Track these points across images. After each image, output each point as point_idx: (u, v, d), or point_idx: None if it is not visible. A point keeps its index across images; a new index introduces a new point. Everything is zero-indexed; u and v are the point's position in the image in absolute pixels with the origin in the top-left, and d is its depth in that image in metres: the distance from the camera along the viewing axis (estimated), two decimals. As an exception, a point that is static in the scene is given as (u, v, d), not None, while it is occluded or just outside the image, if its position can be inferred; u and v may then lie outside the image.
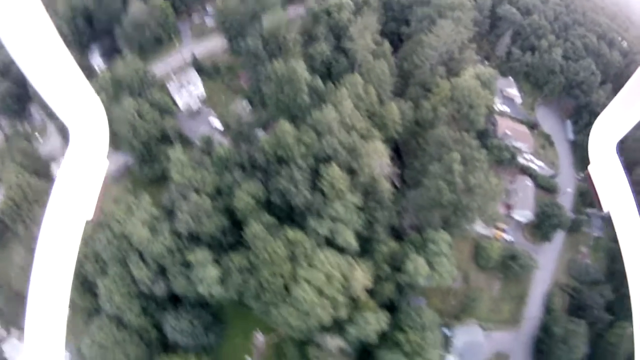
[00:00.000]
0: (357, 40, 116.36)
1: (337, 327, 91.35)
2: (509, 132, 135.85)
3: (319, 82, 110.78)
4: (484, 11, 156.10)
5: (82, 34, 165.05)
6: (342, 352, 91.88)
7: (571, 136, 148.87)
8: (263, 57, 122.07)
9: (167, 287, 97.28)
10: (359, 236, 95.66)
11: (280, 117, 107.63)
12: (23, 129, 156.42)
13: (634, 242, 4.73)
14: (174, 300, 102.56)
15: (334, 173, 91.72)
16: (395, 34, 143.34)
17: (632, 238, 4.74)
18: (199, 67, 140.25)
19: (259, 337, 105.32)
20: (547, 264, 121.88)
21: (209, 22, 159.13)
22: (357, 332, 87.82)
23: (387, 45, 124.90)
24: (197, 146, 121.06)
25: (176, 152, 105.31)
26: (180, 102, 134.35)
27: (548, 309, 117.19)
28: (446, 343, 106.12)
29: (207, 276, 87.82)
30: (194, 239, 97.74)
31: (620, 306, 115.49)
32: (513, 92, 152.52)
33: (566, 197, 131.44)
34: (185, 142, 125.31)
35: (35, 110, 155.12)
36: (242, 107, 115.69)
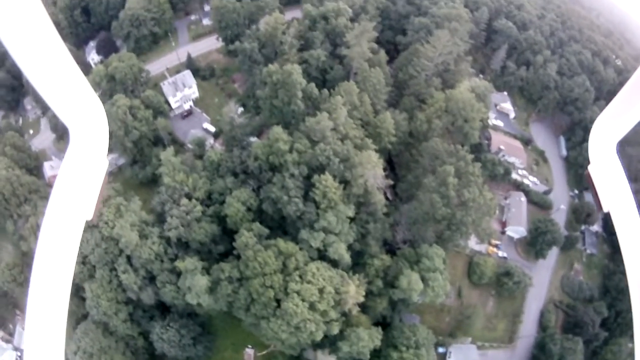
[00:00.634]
0: (353, 48, 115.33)
1: (329, 343, 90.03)
2: (502, 147, 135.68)
3: (313, 88, 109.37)
4: (481, 24, 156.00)
5: (79, 28, 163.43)
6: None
7: (565, 153, 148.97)
8: (259, 61, 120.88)
9: (156, 295, 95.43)
10: (351, 249, 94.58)
11: (273, 122, 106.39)
12: (15, 122, 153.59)
13: (634, 242, 4.49)
14: (162, 308, 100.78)
15: (327, 182, 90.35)
16: (392, 43, 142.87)
17: (632, 238, 4.51)
18: (194, 68, 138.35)
19: (249, 352, 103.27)
20: (540, 280, 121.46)
21: (206, 22, 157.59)
22: (350, 349, 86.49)
23: (383, 54, 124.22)
24: (189, 149, 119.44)
25: (168, 154, 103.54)
26: (173, 103, 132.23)
27: (543, 327, 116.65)
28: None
29: (196, 285, 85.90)
30: (184, 245, 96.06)
31: (615, 323, 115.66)
32: (507, 106, 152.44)
33: (560, 214, 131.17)
34: (177, 144, 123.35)
35: (29, 104, 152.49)
36: (235, 111, 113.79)
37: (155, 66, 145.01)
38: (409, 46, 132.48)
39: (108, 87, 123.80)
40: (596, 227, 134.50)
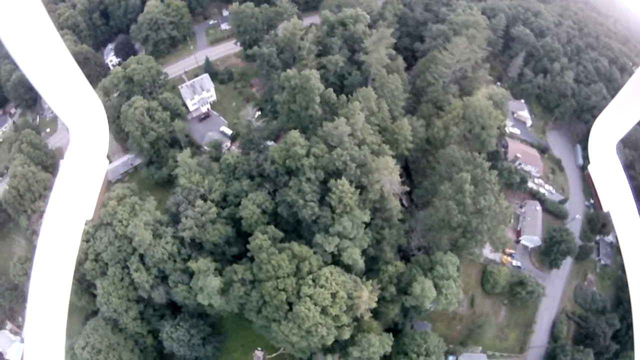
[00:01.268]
0: (371, 54, 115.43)
1: (340, 347, 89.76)
2: (519, 155, 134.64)
3: (331, 93, 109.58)
4: (498, 31, 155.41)
5: (98, 30, 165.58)
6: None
7: (581, 161, 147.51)
8: (277, 65, 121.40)
9: (167, 294, 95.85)
10: (366, 254, 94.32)
11: (291, 127, 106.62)
12: (33, 120, 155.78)
13: (634, 242, 4.53)
14: (173, 308, 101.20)
15: (343, 187, 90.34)
16: (409, 50, 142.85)
17: (632, 238, 4.55)
18: (212, 72, 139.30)
19: (259, 354, 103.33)
20: (553, 290, 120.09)
21: (225, 26, 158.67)
22: (360, 354, 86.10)
23: (400, 60, 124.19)
24: (206, 151, 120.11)
25: (184, 156, 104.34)
26: (191, 106, 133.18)
27: (554, 337, 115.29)
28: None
29: (208, 286, 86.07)
30: (197, 246, 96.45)
31: (627, 336, 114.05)
32: (524, 114, 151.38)
33: (575, 224, 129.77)
34: (194, 146, 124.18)
35: (46, 103, 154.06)
36: (252, 115, 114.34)
37: (174, 69, 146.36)
38: (426, 53, 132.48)
39: (126, 89, 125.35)
40: (611, 238, 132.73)
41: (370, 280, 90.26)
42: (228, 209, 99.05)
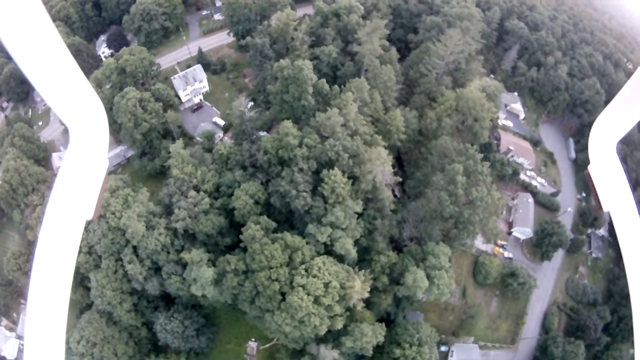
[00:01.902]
0: (364, 45, 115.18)
1: (333, 337, 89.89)
2: (512, 148, 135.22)
3: (324, 84, 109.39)
4: (492, 24, 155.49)
5: (90, 22, 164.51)
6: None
7: (574, 155, 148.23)
8: (270, 56, 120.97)
9: (160, 286, 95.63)
10: (358, 245, 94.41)
11: (283, 117, 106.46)
12: (25, 114, 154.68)
13: (634, 242, 4.51)
14: (167, 299, 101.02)
15: (336, 177, 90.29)
16: (403, 41, 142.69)
17: (632, 238, 4.54)
18: (205, 62, 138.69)
19: (252, 345, 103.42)
20: (545, 282, 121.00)
21: (218, 17, 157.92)
22: (353, 344, 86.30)
23: (394, 51, 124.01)
24: (198, 142, 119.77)
25: (177, 147, 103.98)
26: (184, 97, 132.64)
27: (546, 329, 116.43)
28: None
29: (201, 276, 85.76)
30: (190, 237, 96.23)
31: (618, 329, 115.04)
32: (517, 107, 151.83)
33: (567, 216, 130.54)
34: (186, 137, 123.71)
35: (38, 96, 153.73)
36: (245, 105, 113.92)
37: (166, 60, 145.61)
38: (420, 44, 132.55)
39: (118, 80, 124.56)
40: (602, 231, 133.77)
41: (363, 271, 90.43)
42: (221, 200, 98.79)
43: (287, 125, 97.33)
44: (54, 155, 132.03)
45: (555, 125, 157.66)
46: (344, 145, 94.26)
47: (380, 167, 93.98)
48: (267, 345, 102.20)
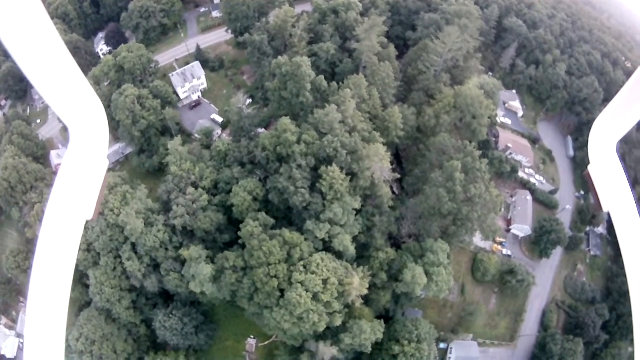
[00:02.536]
0: (363, 42, 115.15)
1: (331, 334, 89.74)
2: (510, 145, 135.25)
3: (322, 81, 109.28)
4: (491, 21, 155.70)
5: (88, 19, 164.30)
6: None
7: (572, 153, 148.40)
8: (268, 53, 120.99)
9: (159, 283, 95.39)
10: (357, 241, 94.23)
11: (282, 114, 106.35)
12: (23, 111, 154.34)
13: (634, 242, 4.51)
14: (166, 296, 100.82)
15: (334, 174, 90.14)
16: (401, 38, 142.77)
17: (632, 238, 4.53)
18: (203, 59, 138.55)
19: (251, 342, 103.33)
20: (543, 280, 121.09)
21: (216, 14, 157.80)
22: (352, 341, 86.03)
23: (392, 48, 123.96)
24: (197, 139, 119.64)
25: (175, 143, 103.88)
26: (182, 94, 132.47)
27: (544, 326, 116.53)
28: (441, 357, 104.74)
29: (200, 273, 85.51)
30: (189, 234, 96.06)
31: (616, 326, 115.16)
32: (515, 105, 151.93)
33: (565, 214, 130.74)
34: (185, 134, 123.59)
35: (36, 94, 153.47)
36: (243, 102, 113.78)
37: (164, 57, 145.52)
38: (418, 42, 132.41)
39: (116, 77, 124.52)
40: (601, 229, 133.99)
41: (361, 267, 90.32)
42: (219, 197, 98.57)
43: (286, 122, 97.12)
44: (53, 153, 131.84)
45: (553, 123, 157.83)
46: (342, 142, 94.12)
47: (379, 164, 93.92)
48: (266, 343, 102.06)
